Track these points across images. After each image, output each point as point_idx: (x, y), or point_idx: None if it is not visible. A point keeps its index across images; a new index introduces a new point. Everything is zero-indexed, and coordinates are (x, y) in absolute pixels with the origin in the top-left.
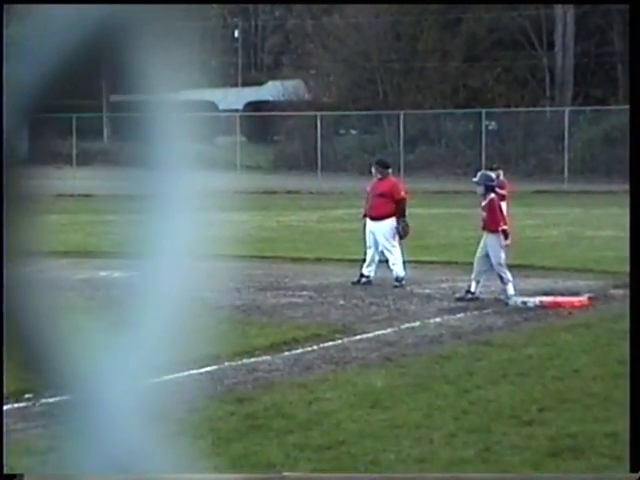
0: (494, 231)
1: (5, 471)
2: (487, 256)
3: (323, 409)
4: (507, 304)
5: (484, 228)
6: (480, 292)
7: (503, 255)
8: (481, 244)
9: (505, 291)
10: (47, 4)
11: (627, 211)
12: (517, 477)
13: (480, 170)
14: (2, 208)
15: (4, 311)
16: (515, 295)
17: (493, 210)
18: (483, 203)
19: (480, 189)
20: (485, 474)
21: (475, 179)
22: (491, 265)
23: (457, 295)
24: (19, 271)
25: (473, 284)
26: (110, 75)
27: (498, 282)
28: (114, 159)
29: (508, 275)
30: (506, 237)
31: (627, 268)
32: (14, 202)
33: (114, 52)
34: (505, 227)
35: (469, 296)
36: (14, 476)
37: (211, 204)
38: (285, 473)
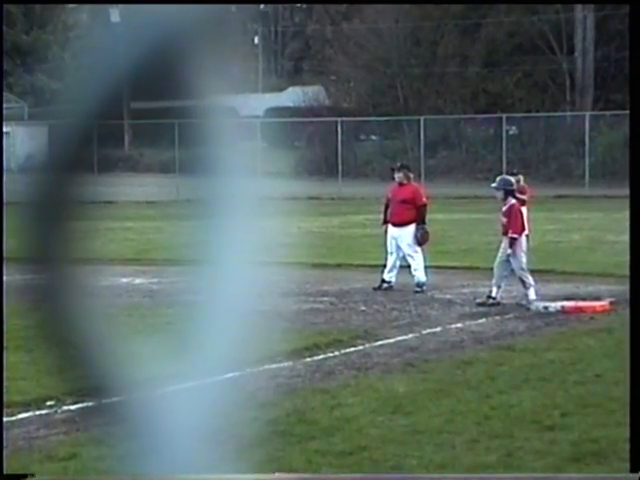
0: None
1: (5, 471)
2: (507, 261)
3: (345, 415)
4: (529, 309)
5: (505, 233)
6: (502, 297)
7: (525, 259)
8: (501, 249)
9: (527, 296)
10: (49, 4)
11: None
12: (516, 477)
13: (500, 175)
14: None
15: (49, 315)
16: (537, 300)
17: (514, 215)
18: (503, 208)
19: (500, 194)
20: (486, 474)
21: (494, 184)
22: (512, 270)
23: (478, 300)
24: (68, 277)
25: (494, 289)
26: (172, 80)
27: (520, 287)
28: (135, 166)
29: (530, 280)
30: (511, 245)
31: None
32: (62, 208)
33: (183, 57)
34: (515, 235)
35: (490, 301)
36: (15, 476)
37: (266, 210)
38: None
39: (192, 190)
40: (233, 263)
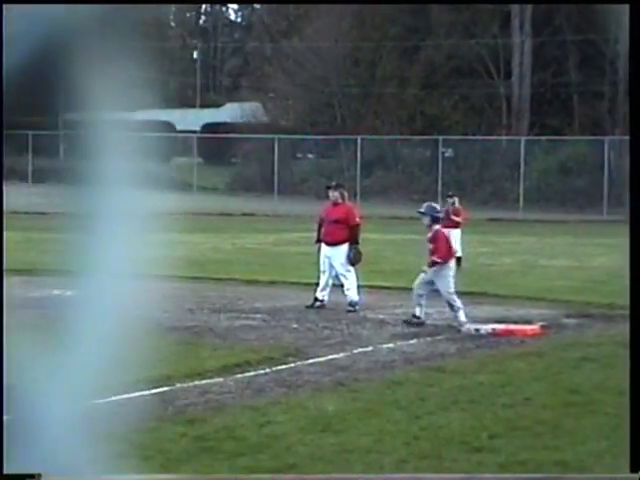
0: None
1: (5, 471)
2: (429, 283)
3: (274, 432)
4: (460, 331)
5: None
6: (434, 319)
7: (452, 283)
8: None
9: (457, 318)
10: (44, 4)
11: (580, 240)
12: (516, 477)
13: (427, 201)
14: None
15: None
16: (468, 322)
17: (440, 241)
18: (429, 235)
19: (427, 220)
20: (484, 474)
21: (421, 209)
22: (434, 291)
23: (405, 318)
24: None
25: (417, 309)
26: (62, 92)
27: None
28: (69, 177)
29: (458, 303)
30: (432, 265)
31: (581, 297)
32: None
33: (66, 65)
34: (439, 260)
35: (415, 321)
36: (15, 476)
37: (154, 224)
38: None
39: (76, 202)
40: (120, 275)
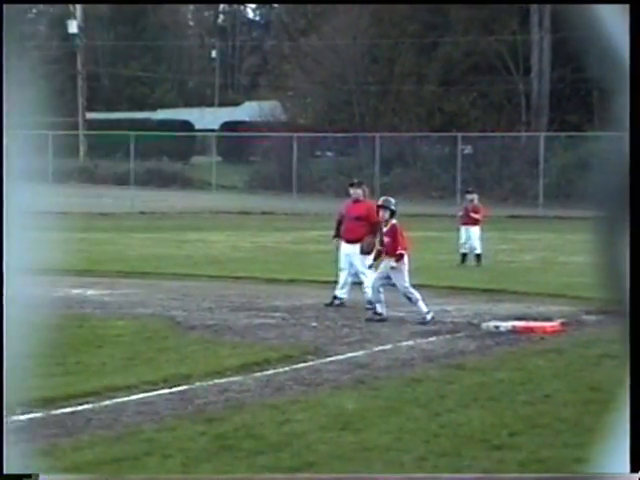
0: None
1: (5, 471)
2: (386, 278)
3: (294, 430)
4: (479, 328)
5: (387, 253)
6: (454, 316)
7: (407, 277)
8: (381, 268)
9: (418, 309)
10: (46, 4)
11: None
12: (517, 477)
13: (384, 196)
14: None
15: None
16: (429, 312)
17: (398, 234)
18: (385, 229)
19: (386, 214)
20: (484, 474)
21: (380, 203)
22: (388, 285)
23: (368, 317)
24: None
25: (378, 306)
26: None
27: (471, 306)
28: (90, 177)
29: (416, 294)
30: (397, 260)
31: (600, 294)
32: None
33: None
34: (403, 251)
35: (377, 317)
36: (15, 476)
37: (41, 223)
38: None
39: None
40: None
